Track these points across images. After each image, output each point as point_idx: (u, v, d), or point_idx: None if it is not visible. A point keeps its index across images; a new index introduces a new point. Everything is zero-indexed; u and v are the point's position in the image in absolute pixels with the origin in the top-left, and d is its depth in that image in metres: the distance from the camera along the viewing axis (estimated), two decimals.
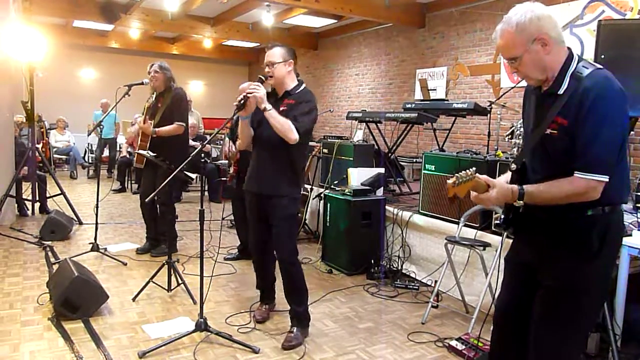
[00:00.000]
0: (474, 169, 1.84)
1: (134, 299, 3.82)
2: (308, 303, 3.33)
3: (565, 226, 1.83)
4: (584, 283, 1.81)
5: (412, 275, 4.58)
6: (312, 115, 3.15)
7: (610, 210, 1.81)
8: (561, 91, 1.80)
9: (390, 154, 6.03)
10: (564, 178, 1.76)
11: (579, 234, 1.81)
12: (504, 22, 1.83)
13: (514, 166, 1.95)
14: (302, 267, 3.31)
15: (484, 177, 1.89)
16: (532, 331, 1.92)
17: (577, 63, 1.81)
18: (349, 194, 4.72)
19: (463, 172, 1.83)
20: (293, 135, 3.02)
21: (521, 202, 1.84)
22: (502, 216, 1.92)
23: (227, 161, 4.81)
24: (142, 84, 4.76)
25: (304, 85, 3.28)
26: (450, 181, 1.82)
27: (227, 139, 4.74)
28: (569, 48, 1.85)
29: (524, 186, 1.84)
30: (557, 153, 1.81)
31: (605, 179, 1.71)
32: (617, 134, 1.72)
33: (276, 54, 3.16)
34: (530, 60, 1.82)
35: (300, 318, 3.28)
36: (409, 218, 4.63)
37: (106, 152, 10.57)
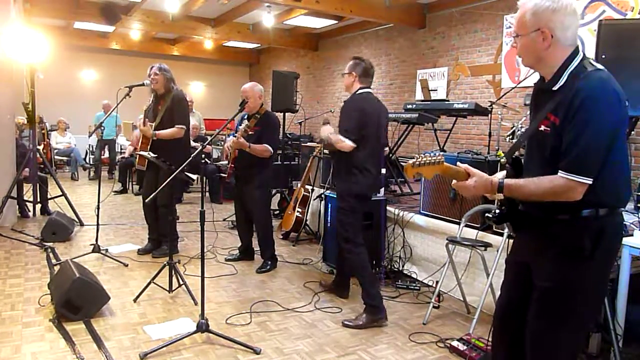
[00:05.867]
0: (440, 153, 1.86)
1: (135, 300, 3.82)
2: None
3: (559, 226, 1.82)
4: (577, 284, 1.80)
5: (413, 275, 4.58)
6: (345, 121, 3.63)
7: (606, 213, 1.78)
8: (556, 87, 1.79)
9: (391, 155, 6.03)
10: (547, 175, 1.76)
11: (571, 235, 1.79)
12: None
13: (504, 160, 1.96)
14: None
15: (464, 165, 1.91)
16: (527, 331, 1.92)
17: (580, 61, 1.79)
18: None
19: (428, 153, 1.85)
20: (343, 147, 3.56)
21: (500, 195, 1.84)
22: (497, 211, 1.92)
23: (226, 161, 4.84)
24: (142, 85, 4.77)
25: (356, 93, 3.72)
26: (410, 161, 1.84)
27: (231, 137, 4.76)
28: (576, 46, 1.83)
29: (504, 179, 1.85)
30: (548, 150, 1.80)
31: (587, 180, 1.69)
32: (604, 137, 1.69)
33: (347, 65, 3.77)
34: (525, 46, 1.83)
35: (366, 304, 3.60)
36: (410, 218, 4.63)
37: (106, 154, 10.58)
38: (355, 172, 3.63)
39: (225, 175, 5.00)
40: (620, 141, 1.76)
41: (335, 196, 4.85)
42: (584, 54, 1.82)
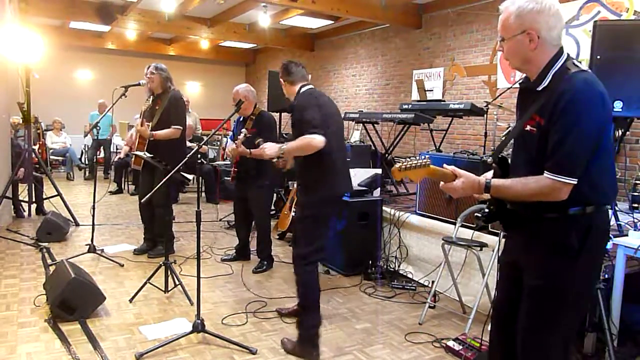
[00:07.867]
0: (427, 156, 1.86)
1: (130, 300, 3.82)
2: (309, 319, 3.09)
3: (546, 224, 1.83)
4: (565, 283, 1.81)
5: (409, 275, 4.58)
6: (309, 114, 3.04)
7: (593, 211, 1.80)
8: (540, 88, 1.81)
9: (387, 155, 6.04)
10: (533, 176, 1.77)
11: (558, 233, 1.81)
12: (512, 0, 1.83)
13: (490, 160, 1.97)
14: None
15: (451, 167, 1.92)
16: (518, 329, 1.93)
17: (564, 62, 1.80)
18: (346, 194, 4.71)
19: (414, 157, 1.85)
20: (317, 145, 2.99)
21: (487, 194, 1.85)
22: (486, 210, 1.93)
23: (223, 162, 4.83)
24: (138, 84, 4.75)
25: (301, 91, 3.25)
26: (396, 165, 1.84)
27: (227, 139, 4.75)
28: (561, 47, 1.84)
29: (492, 180, 1.86)
30: (534, 150, 1.81)
31: (572, 181, 1.71)
32: (589, 138, 1.71)
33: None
34: (512, 48, 1.84)
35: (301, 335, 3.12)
36: (406, 219, 4.64)
37: (102, 154, 10.55)
38: (330, 173, 3.18)
39: (230, 179, 5.00)
40: (605, 140, 1.78)
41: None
42: (567, 54, 1.83)
